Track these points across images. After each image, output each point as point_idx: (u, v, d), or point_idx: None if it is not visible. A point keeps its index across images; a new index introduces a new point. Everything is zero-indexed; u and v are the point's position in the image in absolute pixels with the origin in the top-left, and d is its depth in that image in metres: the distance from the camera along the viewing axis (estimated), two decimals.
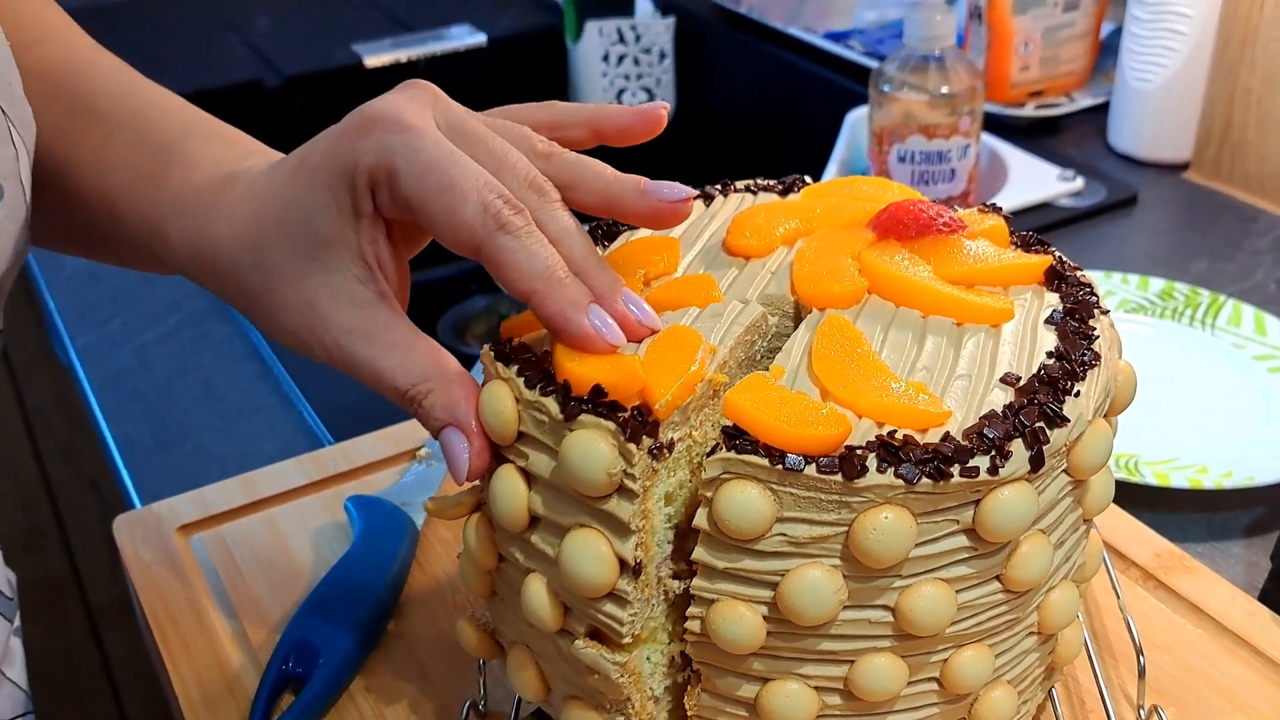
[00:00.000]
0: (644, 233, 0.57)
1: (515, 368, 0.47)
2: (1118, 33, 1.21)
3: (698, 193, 0.52)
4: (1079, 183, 1.09)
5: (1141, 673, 0.57)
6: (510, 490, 0.47)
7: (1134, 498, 0.72)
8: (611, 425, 0.43)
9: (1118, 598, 0.61)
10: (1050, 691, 0.56)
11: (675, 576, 0.48)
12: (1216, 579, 0.65)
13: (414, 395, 0.48)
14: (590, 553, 0.45)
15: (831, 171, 1.15)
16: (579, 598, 0.47)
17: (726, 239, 0.55)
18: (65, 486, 1.58)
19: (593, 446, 0.43)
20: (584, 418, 0.44)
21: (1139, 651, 0.58)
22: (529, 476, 0.47)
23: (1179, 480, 0.72)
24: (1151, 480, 0.72)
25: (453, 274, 1.50)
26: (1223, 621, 0.62)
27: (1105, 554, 0.63)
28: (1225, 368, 0.85)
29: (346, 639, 0.59)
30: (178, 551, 0.68)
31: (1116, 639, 0.62)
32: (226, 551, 0.68)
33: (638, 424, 0.43)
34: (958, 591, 0.46)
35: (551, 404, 0.45)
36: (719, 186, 0.61)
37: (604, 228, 0.57)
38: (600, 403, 0.44)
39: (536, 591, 0.48)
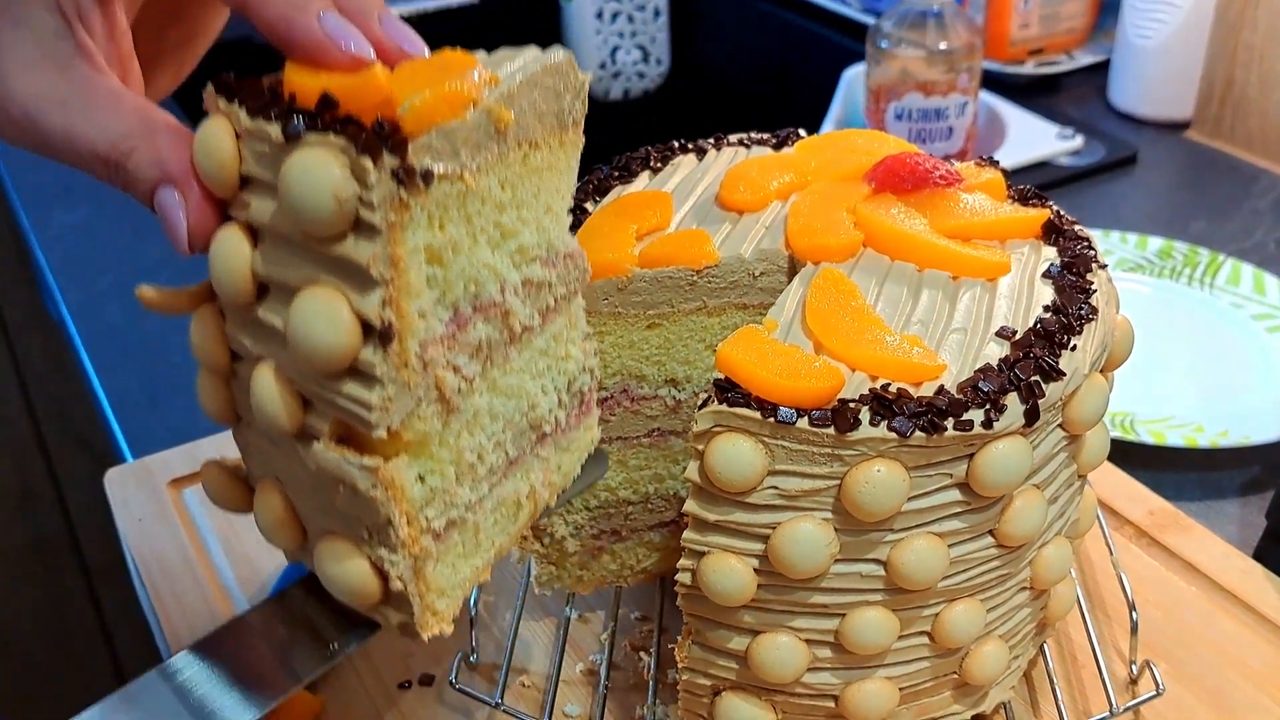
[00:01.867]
0: (636, 187, 0.57)
1: (238, 99, 0.37)
2: None
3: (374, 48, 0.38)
4: (1078, 141, 1.08)
5: (1134, 628, 0.57)
6: (230, 253, 0.37)
7: (1129, 456, 0.72)
8: (341, 140, 0.34)
9: (1111, 554, 0.61)
10: (1042, 646, 0.56)
11: (455, 371, 0.39)
12: (1210, 537, 0.65)
13: (116, 158, 0.39)
14: (322, 312, 0.36)
15: (828, 129, 1.14)
16: (314, 378, 0.37)
17: (720, 193, 0.55)
18: (59, 445, 1.58)
19: (317, 166, 0.34)
20: (309, 135, 0.35)
21: (1131, 607, 0.58)
22: (254, 232, 0.38)
23: (1175, 439, 0.72)
24: (1147, 439, 0.72)
25: None
26: (1216, 579, 0.62)
27: (1099, 511, 0.63)
28: (1223, 327, 0.85)
29: None
30: (169, 505, 0.68)
31: (1110, 595, 0.62)
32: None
33: (375, 137, 0.35)
34: (950, 546, 0.46)
35: (273, 127, 0.36)
36: (712, 140, 0.61)
37: (595, 182, 0.56)
38: (330, 116, 0.35)
39: (266, 382, 0.38)
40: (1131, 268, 0.91)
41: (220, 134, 0.37)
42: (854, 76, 1.17)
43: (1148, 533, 0.65)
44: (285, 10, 0.36)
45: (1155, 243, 0.92)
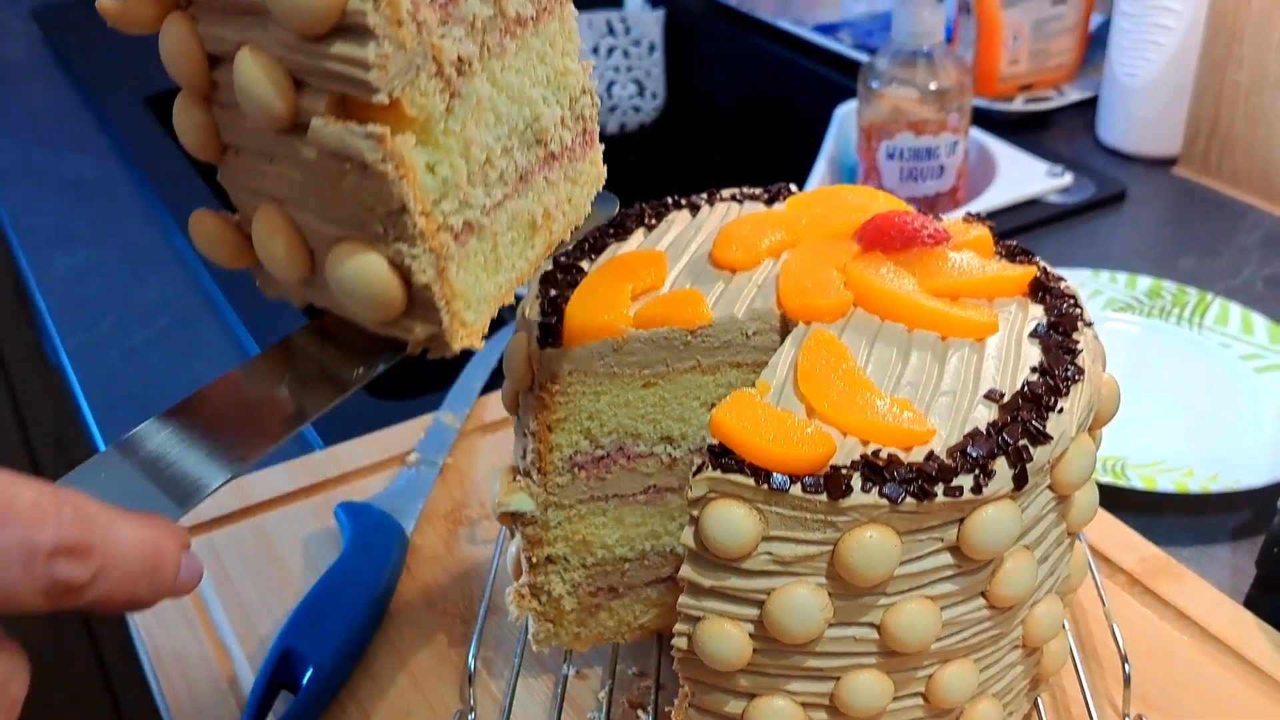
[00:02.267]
0: (631, 245, 0.57)
1: None
2: (1106, 25, 1.21)
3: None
4: (1067, 179, 1.09)
5: (1127, 681, 0.57)
6: None
7: (1121, 501, 0.73)
8: None
9: (1103, 605, 0.61)
10: (1036, 701, 0.57)
11: (452, 43, 0.38)
12: (1202, 584, 0.65)
13: None
14: None
15: (820, 169, 1.15)
16: (301, 46, 0.35)
17: (713, 252, 0.55)
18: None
19: None
20: None
21: (1124, 659, 0.58)
22: None
23: (1165, 484, 0.72)
24: (1139, 484, 0.73)
25: None
26: (1208, 628, 0.63)
27: (1091, 560, 0.64)
28: (1212, 367, 0.85)
29: (335, 649, 0.59)
30: None
31: (1103, 646, 0.62)
32: (217, 558, 0.68)
33: None
34: (942, 608, 0.46)
35: None
36: (705, 196, 0.61)
37: (590, 240, 0.57)
38: None
39: (249, 64, 0.35)
40: (1121, 307, 0.91)
41: None
42: (846, 114, 1.19)
43: (1140, 580, 0.66)
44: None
45: (1144, 282, 0.93)
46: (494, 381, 0.81)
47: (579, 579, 0.57)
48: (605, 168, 0.51)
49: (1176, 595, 0.65)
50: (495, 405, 0.79)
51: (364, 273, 0.37)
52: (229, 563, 0.68)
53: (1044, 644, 0.52)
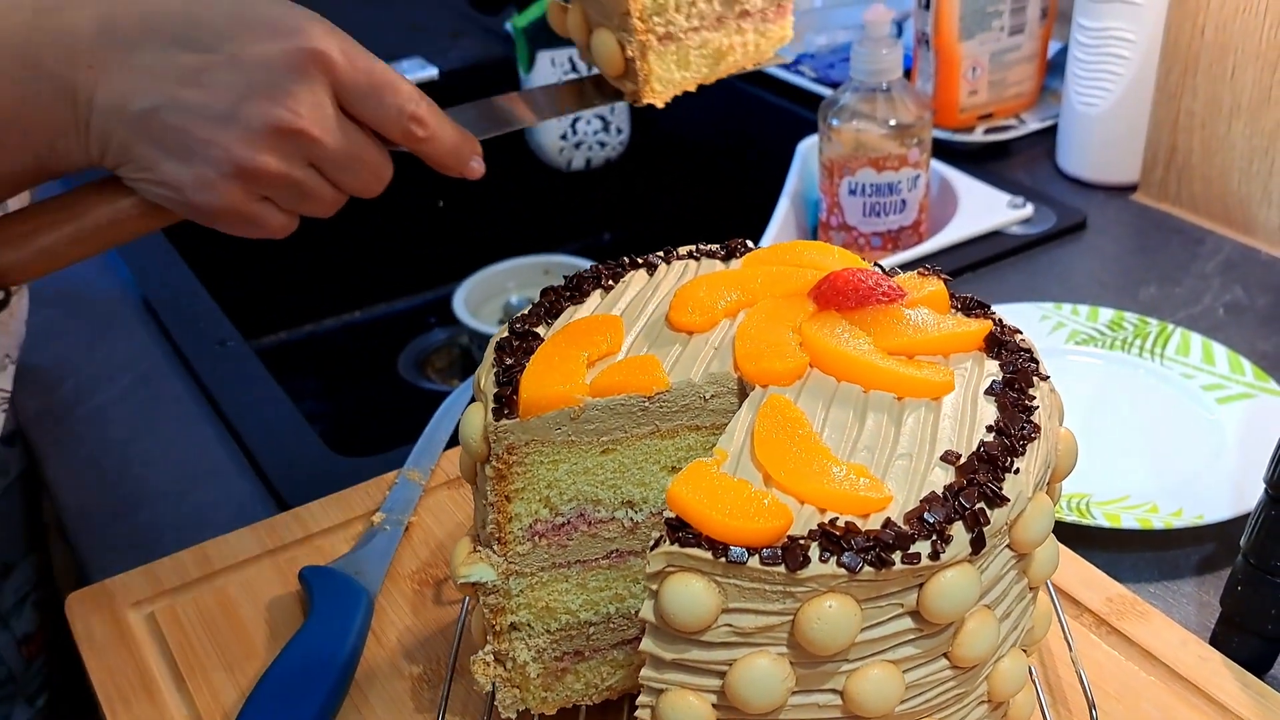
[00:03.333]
0: (588, 308, 0.57)
1: None
2: (1064, 51, 1.22)
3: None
4: (1028, 210, 1.10)
5: None
6: None
7: (1086, 539, 0.73)
8: None
9: (1070, 650, 0.62)
10: None
11: None
12: (1169, 624, 0.66)
13: None
14: None
15: (784, 205, 1.16)
16: None
17: (669, 314, 0.56)
18: None
19: None
20: None
21: (1091, 705, 0.58)
22: None
23: (1129, 521, 0.73)
24: (1103, 522, 0.73)
25: (413, 307, 1.50)
26: (1175, 668, 0.63)
27: (1057, 601, 0.64)
28: (1175, 399, 0.86)
29: None
30: (130, 630, 0.67)
31: (1071, 689, 0.62)
32: (180, 628, 0.68)
33: None
34: (905, 671, 0.46)
35: None
36: (661, 254, 0.62)
37: (546, 305, 0.57)
38: None
39: None
40: (1083, 340, 0.92)
41: None
42: (808, 149, 1.19)
43: (1106, 620, 0.66)
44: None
45: (1106, 314, 0.94)
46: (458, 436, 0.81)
47: (544, 644, 0.57)
48: (792, 33, 0.68)
49: (1143, 635, 0.65)
50: None
51: (604, 45, 0.62)
52: (192, 631, 0.67)
53: (1009, 698, 0.52)
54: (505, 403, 0.51)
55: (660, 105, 0.63)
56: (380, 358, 1.44)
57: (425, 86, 1.47)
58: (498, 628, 0.56)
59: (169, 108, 0.52)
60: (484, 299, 1.44)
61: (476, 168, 0.60)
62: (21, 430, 0.91)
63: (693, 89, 0.64)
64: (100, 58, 0.52)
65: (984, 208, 1.11)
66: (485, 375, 0.53)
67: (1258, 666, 0.63)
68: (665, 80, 0.62)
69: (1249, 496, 0.73)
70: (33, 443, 0.89)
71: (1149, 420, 0.85)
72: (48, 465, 0.86)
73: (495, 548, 0.54)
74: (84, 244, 0.56)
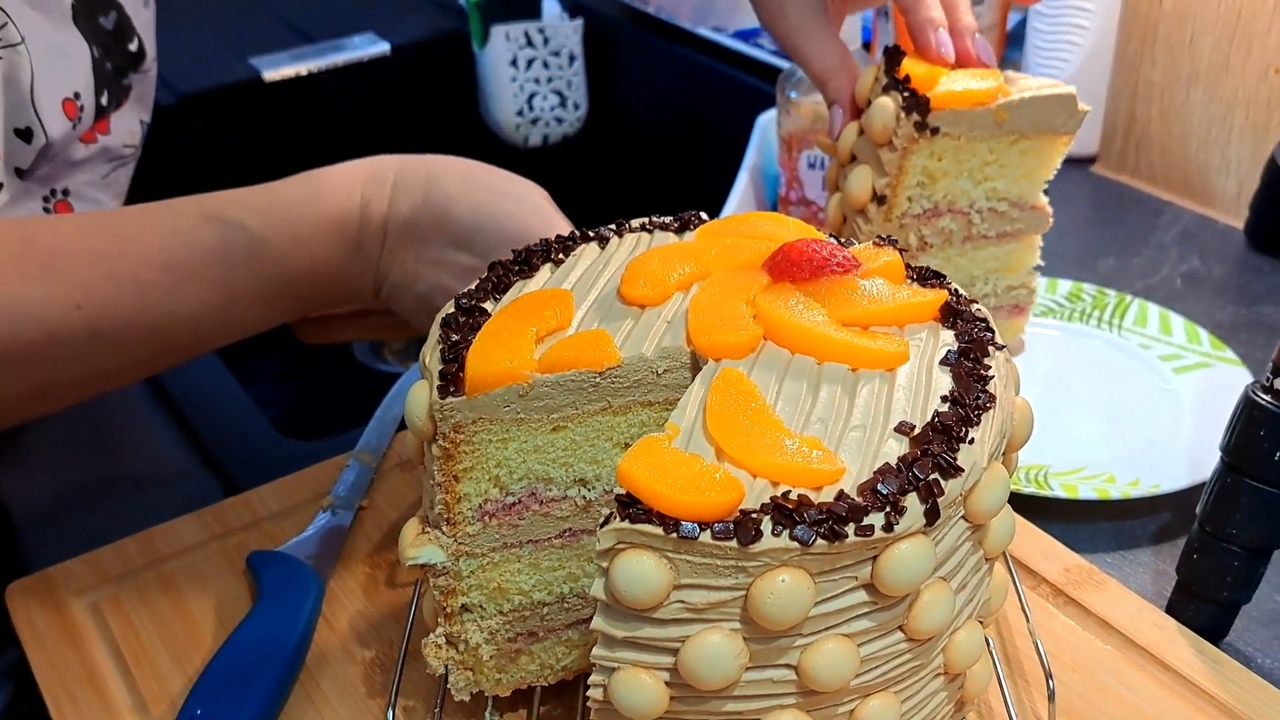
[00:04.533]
0: (537, 282, 0.56)
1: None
2: (1024, 23, 1.22)
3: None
4: None
5: (1051, 696, 0.58)
6: None
7: (1044, 510, 0.73)
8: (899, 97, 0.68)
9: (1027, 620, 0.61)
10: None
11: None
12: (1125, 593, 0.66)
13: (823, 77, 0.73)
14: None
15: (743, 180, 1.15)
16: None
17: (621, 288, 0.54)
18: None
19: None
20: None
21: (1048, 675, 0.58)
22: None
23: (1087, 491, 0.73)
24: (1060, 493, 0.73)
25: None
26: (1131, 636, 0.63)
27: (1015, 573, 0.64)
28: (1133, 369, 0.86)
29: (251, 709, 0.57)
30: (74, 619, 0.66)
31: (1028, 660, 0.62)
32: (125, 616, 0.66)
33: (915, 100, 0.67)
34: (860, 645, 0.46)
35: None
36: (614, 227, 0.60)
37: (494, 279, 0.56)
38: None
39: None
40: (1042, 312, 0.92)
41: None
42: (767, 123, 1.18)
43: (1064, 591, 0.66)
44: (921, 24, 0.69)
45: (1064, 285, 0.94)
46: None
47: (496, 626, 0.56)
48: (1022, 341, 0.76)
49: (1100, 605, 0.65)
50: None
51: (858, 179, 0.70)
52: (137, 619, 0.66)
53: (966, 669, 0.52)
54: (451, 380, 0.50)
55: None
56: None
57: (377, 63, 1.46)
58: (449, 609, 0.55)
59: (439, 292, 0.67)
60: None
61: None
62: None
63: None
64: (403, 245, 0.67)
65: None
66: (431, 352, 0.52)
67: (1213, 633, 0.64)
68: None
69: (1205, 465, 0.73)
70: None
71: (1107, 391, 0.85)
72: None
73: (444, 528, 0.53)
74: (361, 331, 0.78)
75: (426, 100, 1.49)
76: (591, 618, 0.56)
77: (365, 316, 0.76)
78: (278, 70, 1.35)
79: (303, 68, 1.37)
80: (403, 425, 0.79)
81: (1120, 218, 1.08)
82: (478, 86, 1.52)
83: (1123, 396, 0.84)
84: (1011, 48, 1.32)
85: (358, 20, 1.47)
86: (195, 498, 0.77)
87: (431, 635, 0.55)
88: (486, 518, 0.53)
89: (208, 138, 1.32)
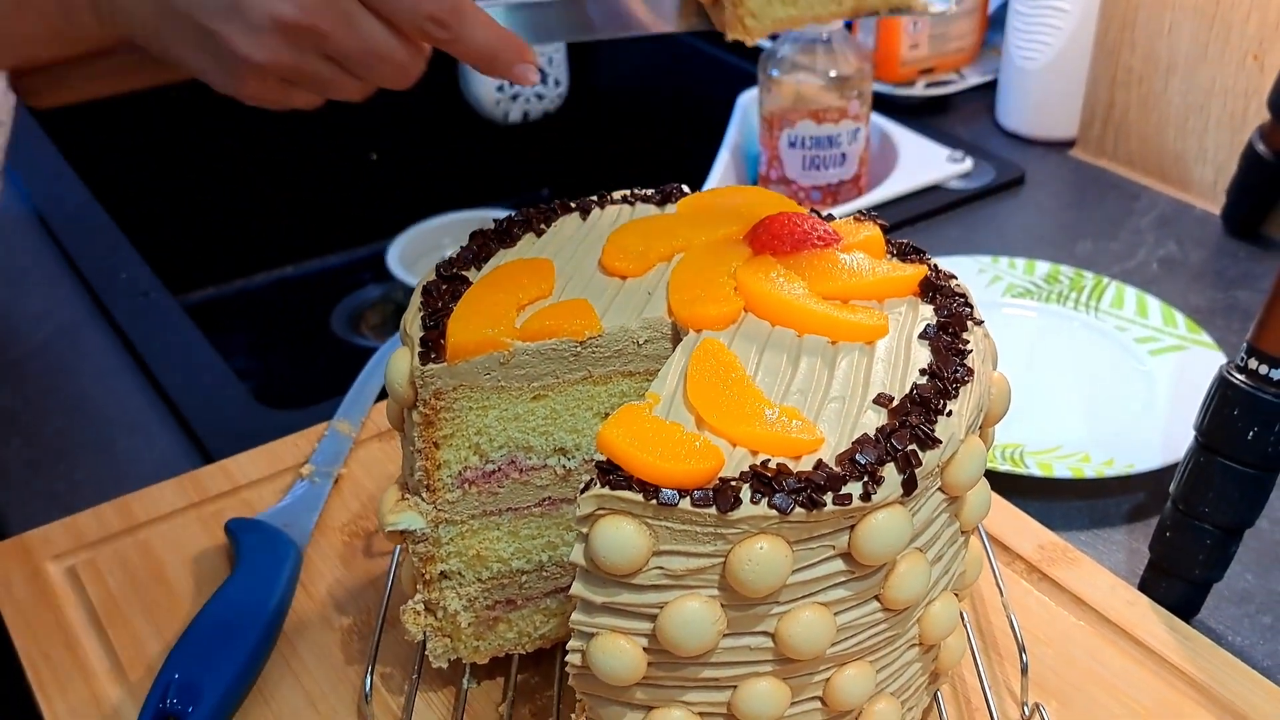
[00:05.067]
0: (516, 254, 0.56)
1: None
2: (1004, 7, 1.22)
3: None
4: (968, 164, 1.10)
5: (1024, 670, 0.58)
6: None
7: (1019, 488, 0.74)
8: None
9: (1001, 595, 0.62)
10: (936, 694, 0.57)
11: None
12: (1098, 569, 0.66)
13: None
14: None
15: (724, 158, 1.15)
16: None
17: (602, 259, 0.54)
18: None
19: None
20: None
21: (1021, 649, 0.59)
22: None
23: (1062, 470, 0.73)
24: (1036, 471, 0.73)
25: (346, 262, 1.47)
26: (1104, 613, 0.64)
27: (990, 548, 0.64)
28: (1109, 351, 0.87)
29: (228, 673, 0.57)
30: (51, 583, 0.66)
31: (1001, 635, 0.63)
32: (102, 581, 0.66)
33: None
34: (836, 614, 0.46)
35: None
36: (595, 198, 0.60)
37: (475, 248, 0.56)
38: None
39: None
40: (1020, 293, 0.92)
41: None
42: (749, 101, 1.18)
43: (1038, 567, 0.67)
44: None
45: (1042, 267, 0.94)
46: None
47: (475, 593, 0.56)
48: None
49: (1073, 581, 0.66)
50: None
51: None
52: (114, 584, 0.65)
53: (940, 640, 0.52)
54: (432, 346, 0.50)
55: (750, 43, 0.55)
56: (313, 314, 1.41)
57: None
58: (428, 576, 0.55)
59: None
60: (419, 255, 1.42)
61: (523, 74, 0.55)
62: None
63: (799, 26, 0.56)
64: None
65: (923, 162, 1.11)
66: (412, 319, 0.52)
67: (1185, 611, 0.64)
68: (761, 16, 0.53)
69: (1179, 446, 0.74)
70: None
71: (1083, 372, 0.85)
72: None
73: (424, 495, 0.53)
74: (97, 80, 0.64)
75: None
76: (569, 586, 0.56)
77: (99, 62, 0.61)
78: None
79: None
80: (381, 395, 0.78)
81: (1098, 201, 1.09)
82: (458, 62, 1.51)
83: (1099, 377, 0.84)
84: (992, 31, 1.33)
85: None
86: (171, 464, 0.76)
87: (410, 602, 0.55)
88: (466, 485, 0.53)
89: (189, 114, 1.31)
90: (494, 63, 0.55)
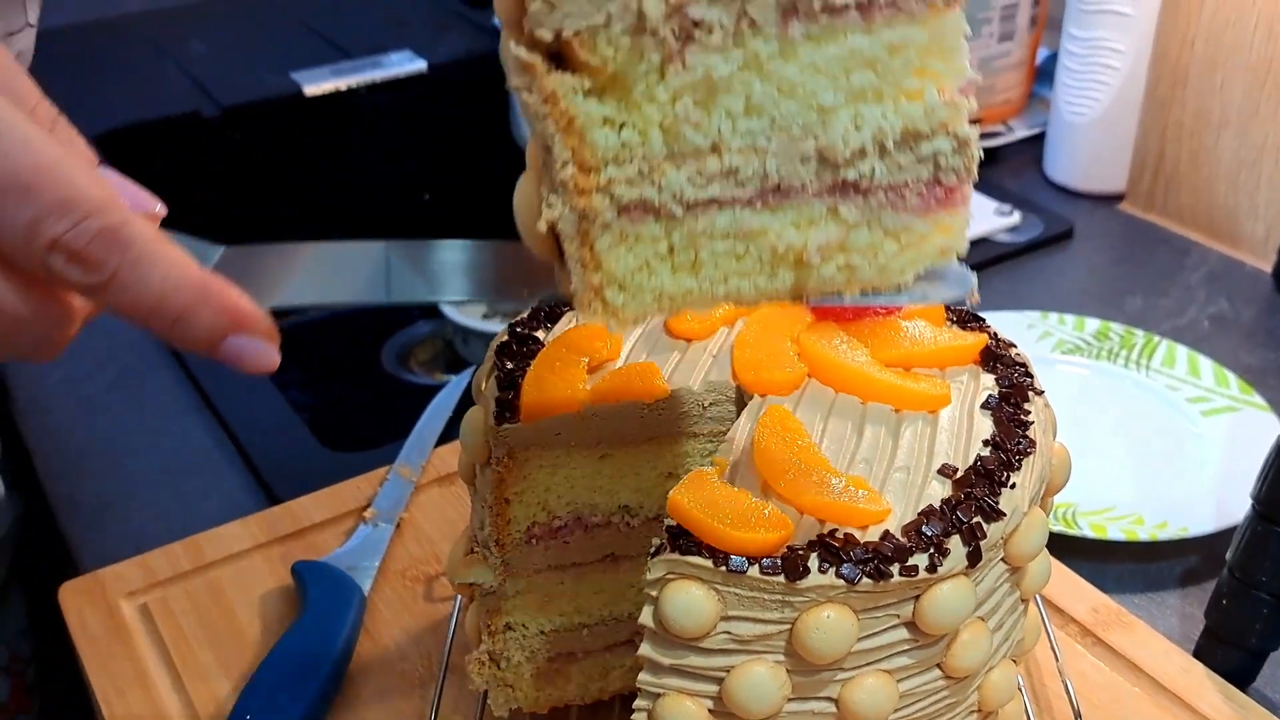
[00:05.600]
0: None
1: None
2: (1052, 59, 1.23)
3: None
4: (1016, 217, 1.11)
5: None
6: None
7: (1072, 549, 0.74)
8: None
9: (1056, 660, 0.62)
10: None
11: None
12: (1153, 635, 0.67)
13: None
14: None
15: None
16: None
17: (667, 321, 0.56)
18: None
19: None
20: None
21: (1077, 715, 0.59)
22: None
23: (1115, 532, 0.74)
24: (1089, 532, 0.74)
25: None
26: (1159, 679, 0.64)
27: (1044, 611, 0.65)
28: (1160, 411, 0.87)
29: (296, 717, 0.58)
30: (124, 621, 0.67)
31: (1057, 699, 0.63)
32: (173, 619, 0.68)
33: None
34: (899, 681, 0.47)
35: None
36: None
37: (546, 309, 0.57)
38: None
39: None
40: (1070, 350, 0.93)
41: None
42: None
43: (1092, 631, 0.67)
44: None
45: (1092, 324, 0.95)
46: (449, 432, 0.81)
47: (538, 645, 0.57)
48: (966, 241, 0.41)
49: (1128, 646, 0.66)
50: (451, 457, 0.79)
51: (520, 200, 0.37)
52: (185, 623, 0.67)
53: (999, 707, 0.53)
54: (506, 407, 0.52)
55: (615, 328, 0.38)
56: (363, 350, 1.43)
57: (414, 80, 1.48)
58: (493, 628, 0.56)
59: None
60: None
61: (241, 354, 0.38)
62: (12, 420, 0.90)
63: (713, 311, 0.42)
64: None
65: (972, 214, 1.11)
66: (486, 379, 0.54)
67: (1240, 679, 0.64)
68: (634, 287, 0.38)
69: (1232, 510, 0.74)
70: (23, 434, 0.88)
71: (1134, 431, 0.86)
72: (38, 457, 0.85)
73: (493, 549, 0.54)
74: None
75: (460, 117, 1.51)
76: (629, 641, 0.57)
77: None
78: (318, 85, 1.37)
79: (342, 83, 1.39)
80: (440, 441, 0.80)
81: (1148, 256, 1.09)
82: (510, 105, 1.53)
83: (1150, 437, 0.85)
84: (1041, 83, 1.34)
85: (396, 38, 1.49)
86: (236, 503, 0.78)
87: (475, 652, 0.57)
88: (533, 540, 0.54)
89: (248, 149, 1.34)
90: (185, 327, 0.36)
